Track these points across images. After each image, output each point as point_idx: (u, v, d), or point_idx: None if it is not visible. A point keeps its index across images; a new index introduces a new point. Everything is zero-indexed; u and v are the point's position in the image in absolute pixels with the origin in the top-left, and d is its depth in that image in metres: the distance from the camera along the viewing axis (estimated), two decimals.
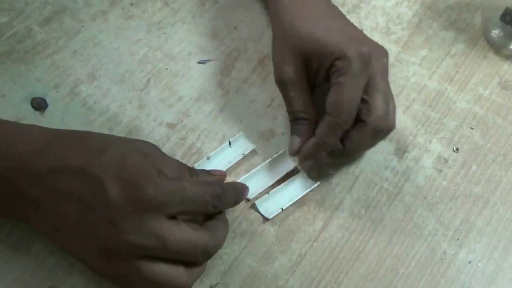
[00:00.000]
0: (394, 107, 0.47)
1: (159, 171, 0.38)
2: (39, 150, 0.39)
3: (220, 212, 0.43)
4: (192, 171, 0.44)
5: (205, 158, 0.49)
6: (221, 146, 0.50)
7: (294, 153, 0.48)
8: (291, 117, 0.49)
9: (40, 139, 0.40)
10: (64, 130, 0.42)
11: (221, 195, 0.41)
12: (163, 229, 0.37)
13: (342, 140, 0.46)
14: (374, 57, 0.45)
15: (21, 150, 0.39)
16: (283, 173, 0.49)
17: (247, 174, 0.48)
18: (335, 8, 0.51)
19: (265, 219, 0.47)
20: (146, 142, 0.42)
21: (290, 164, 0.49)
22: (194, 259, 0.39)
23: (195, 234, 0.39)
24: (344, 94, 0.44)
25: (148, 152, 0.40)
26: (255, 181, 0.48)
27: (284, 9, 0.50)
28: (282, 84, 0.48)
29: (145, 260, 0.37)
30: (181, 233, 0.38)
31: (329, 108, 0.45)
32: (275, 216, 0.47)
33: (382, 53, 0.47)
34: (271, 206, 0.47)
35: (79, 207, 0.37)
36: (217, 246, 0.41)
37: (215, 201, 0.40)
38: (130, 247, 0.36)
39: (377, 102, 0.45)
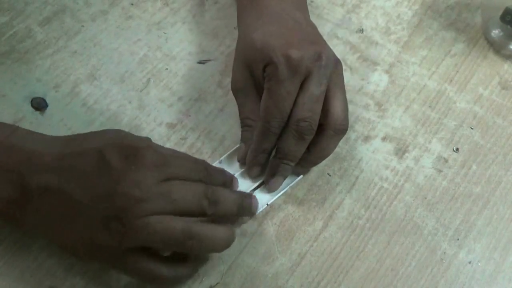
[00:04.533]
0: (341, 106, 0.45)
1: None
2: (47, 146, 0.41)
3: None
4: None
5: (217, 161, 0.49)
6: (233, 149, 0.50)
7: (240, 160, 0.49)
8: (241, 124, 0.49)
9: (49, 137, 0.42)
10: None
11: (208, 168, 0.43)
12: (165, 184, 0.39)
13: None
14: (307, 60, 0.44)
15: (30, 147, 0.41)
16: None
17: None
18: (292, 13, 0.49)
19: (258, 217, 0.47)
20: None
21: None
22: (199, 208, 0.40)
23: (194, 184, 0.41)
24: (272, 99, 0.44)
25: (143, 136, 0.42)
26: (239, 183, 0.47)
27: (242, 19, 0.51)
28: (232, 91, 0.50)
29: (152, 217, 0.38)
30: (181, 183, 0.40)
31: (260, 114, 0.45)
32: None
33: (321, 55, 0.45)
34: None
35: (83, 182, 0.39)
36: (216, 192, 0.41)
37: (205, 172, 0.42)
38: (133, 201, 0.37)
39: (299, 103, 0.44)
